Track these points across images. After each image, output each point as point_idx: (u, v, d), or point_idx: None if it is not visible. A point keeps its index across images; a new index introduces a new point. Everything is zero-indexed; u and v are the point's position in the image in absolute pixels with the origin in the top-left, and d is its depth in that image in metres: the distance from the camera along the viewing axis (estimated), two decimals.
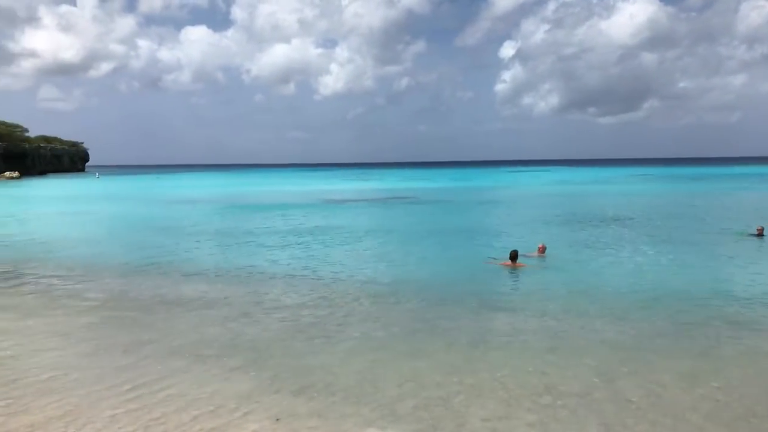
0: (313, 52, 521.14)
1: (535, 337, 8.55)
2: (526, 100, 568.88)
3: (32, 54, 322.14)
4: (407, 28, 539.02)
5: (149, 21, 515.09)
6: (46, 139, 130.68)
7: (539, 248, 15.63)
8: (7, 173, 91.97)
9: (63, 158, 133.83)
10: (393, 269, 14.42)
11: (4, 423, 5.70)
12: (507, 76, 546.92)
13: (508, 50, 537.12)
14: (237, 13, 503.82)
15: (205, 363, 7.44)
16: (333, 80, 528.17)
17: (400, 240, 20.20)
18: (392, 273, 13.84)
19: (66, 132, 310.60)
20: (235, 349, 7.99)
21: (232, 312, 10.02)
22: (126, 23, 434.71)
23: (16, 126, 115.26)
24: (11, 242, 20.37)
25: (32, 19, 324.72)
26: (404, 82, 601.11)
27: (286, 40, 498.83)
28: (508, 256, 14.13)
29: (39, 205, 40.69)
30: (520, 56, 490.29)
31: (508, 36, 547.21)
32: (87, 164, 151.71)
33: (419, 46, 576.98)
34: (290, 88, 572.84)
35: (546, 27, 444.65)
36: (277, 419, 5.67)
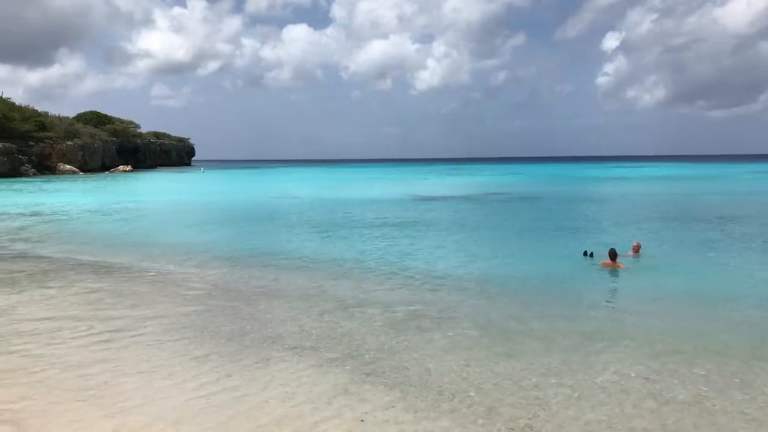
0: (410, 47, 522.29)
1: (637, 341, 8.18)
2: (630, 93, 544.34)
3: (147, 54, 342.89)
4: (506, 21, 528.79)
5: (254, 20, 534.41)
6: (157, 135, 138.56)
7: (634, 247, 14.97)
8: (121, 167, 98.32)
9: (171, 153, 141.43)
10: (487, 266, 14.25)
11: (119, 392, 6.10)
12: (609, 68, 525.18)
13: (611, 42, 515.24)
14: (336, 11, 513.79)
15: (303, 354, 7.64)
16: (429, 75, 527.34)
17: (494, 237, 19.94)
18: (486, 270, 13.69)
19: (174, 128, 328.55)
20: (332, 342, 8.17)
21: (328, 305, 10.23)
22: (232, 23, 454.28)
23: (130, 122, 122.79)
24: (124, 230, 21.76)
25: (147, 22, 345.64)
26: (501, 76, 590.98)
27: (384, 36, 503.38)
28: (607, 254, 13.61)
29: (149, 196, 43.27)
30: (624, 48, 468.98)
31: (611, 27, 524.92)
32: (193, 159, 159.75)
33: (518, 39, 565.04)
34: (386, 83, 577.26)
35: (653, 16, 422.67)
36: (362, 420, 5.70)
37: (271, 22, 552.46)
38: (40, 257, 15.79)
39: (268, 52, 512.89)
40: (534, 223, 23.95)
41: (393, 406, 5.98)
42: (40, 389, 6.42)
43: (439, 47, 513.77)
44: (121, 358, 7.52)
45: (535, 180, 68.01)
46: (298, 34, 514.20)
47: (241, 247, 17.23)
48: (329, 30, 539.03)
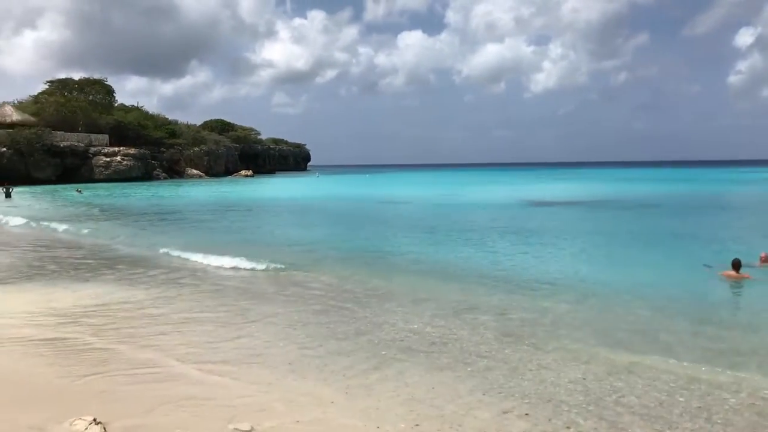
0: (526, 50, 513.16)
1: None
2: (766, 92, 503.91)
3: (269, 64, 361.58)
4: (628, 20, 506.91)
5: (370, 29, 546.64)
6: (275, 141, 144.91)
7: (761, 257, 13.77)
8: (243, 171, 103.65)
9: (289, 158, 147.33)
10: (602, 275, 13.67)
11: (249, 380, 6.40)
12: (743, 66, 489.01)
13: (745, 38, 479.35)
14: (451, 16, 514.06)
15: (416, 357, 7.69)
16: (545, 77, 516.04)
17: (611, 244, 19.12)
18: (601, 278, 13.13)
19: (292, 134, 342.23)
20: (444, 347, 8.16)
21: (440, 309, 10.22)
22: (350, 32, 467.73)
23: (251, 129, 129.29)
24: (250, 230, 22.85)
25: (270, 33, 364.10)
26: (621, 77, 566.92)
27: (500, 39, 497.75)
28: (730, 265, 12.63)
29: (270, 198, 45.28)
30: (760, 44, 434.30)
31: (746, 22, 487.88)
32: (309, 164, 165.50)
33: (641, 38, 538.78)
34: (500, 86, 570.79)
35: None
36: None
37: (386, 30, 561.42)
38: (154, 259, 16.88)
39: (382, 59, 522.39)
40: (654, 231, 22.72)
41: (511, 422, 5.88)
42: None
43: (555, 49, 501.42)
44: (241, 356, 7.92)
45: (656, 185, 64.50)
46: (412, 40, 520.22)
47: (354, 249, 17.64)
48: (443, 35, 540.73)
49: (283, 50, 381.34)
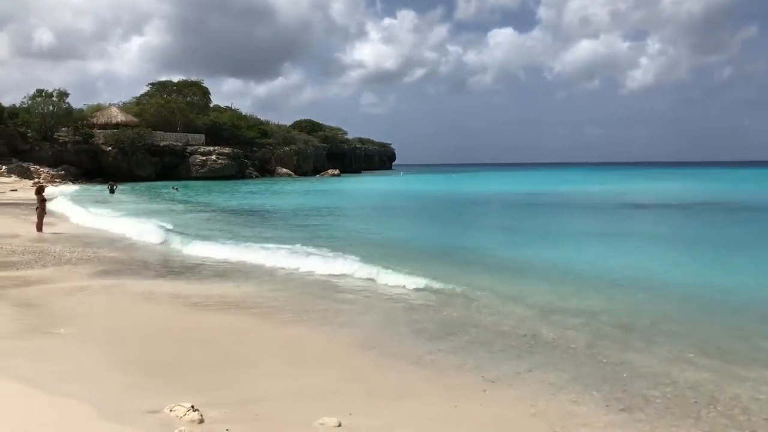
0: (621, 45, 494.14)
1: None
2: None
3: (359, 65, 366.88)
4: (735, 12, 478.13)
5: (460, 27, 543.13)
6: (361, 141, 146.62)
7: None
8: (330, 170, 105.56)
9: (374, 157, 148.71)
10: (697, 279, 12.89)
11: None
12: None
13: None
14: (543, 12, 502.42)
15: (508, 359, 7.52)
16: (641, 73, 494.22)
17: (716, 249, 18.03)
18: (696, 283, 12.38)
19: (377, 134, 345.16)
20: (536, 347, 7.94)
21: (528, 311, 9.93)
22: (439, 31, 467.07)
23: (339, 129, 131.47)
24: (340, 227, 23.16)
25: (361, 34, 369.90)
26: (726, 72, 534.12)
27: (594, 35, 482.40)
28: None
29: (357, 195, 45.95)
30: None
31: None
32: (393, 163, 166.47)
33: (749, 31, 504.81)
34: (593, 83, 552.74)
35: None
36: None
37: (476, 28, 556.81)
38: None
39: (471, 57, 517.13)
40: (757, 236, 21.31)
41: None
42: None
43: (653, 44, 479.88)
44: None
45: (765, 186, 60.40)
46: (502, 37, 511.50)
47: (439, 247, 17.54)
48: (534, 32, 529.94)
49: (372, 50, 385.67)
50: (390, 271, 12.72)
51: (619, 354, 7.66)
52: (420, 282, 11.84)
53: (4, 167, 61.33)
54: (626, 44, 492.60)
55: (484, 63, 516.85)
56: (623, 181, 75.44)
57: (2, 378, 6.24)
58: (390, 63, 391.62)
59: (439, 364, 7.40)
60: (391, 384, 6.77)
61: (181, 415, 5.37)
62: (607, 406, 6.02)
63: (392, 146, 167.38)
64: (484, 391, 6.46)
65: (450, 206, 38.02)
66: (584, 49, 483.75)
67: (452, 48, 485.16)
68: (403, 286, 11.82)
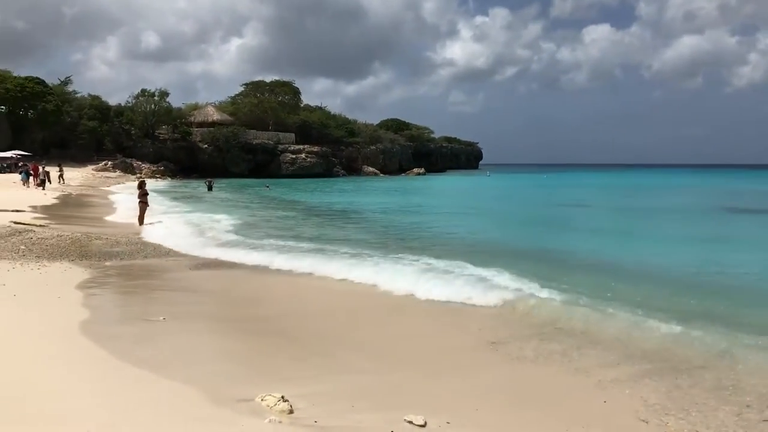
0: (729, 41, 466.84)
1: None
2: None
3: (449, 63, 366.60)
4: None
5: (555, 24, 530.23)
6: (448, 140, 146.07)
7: None
8: (415, 169, 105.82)
9: (460, 157, 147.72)
10: None
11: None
12: None
13: None
14: (643, 8, 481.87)
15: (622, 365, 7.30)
16: (750, 70, 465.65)
17: None
18: None
19: (464, 133, 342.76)
20: (630, 349, 7.69)
21: (619, 312, 9.55)
22: (533, 29, 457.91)
23: (425, 128, 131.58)
24: (425, 226, 23.19)
25: (452, 32, 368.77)
26: None
27: (699, 30, 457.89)
28: None
29: (441, 194, 45.82)
30: None
31: None
32: (480, 162, 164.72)
33: None
34: (696, 81, 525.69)
35: None
36: None
37: (571, 25, 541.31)
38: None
39: (565, 54, 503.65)
40: None
41: None
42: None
43: (765, 39, 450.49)
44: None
45: None
46: (599, 34, 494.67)
47: (531, 247, 17.24)
48: (633, 28, 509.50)
49: (463, 49, 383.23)
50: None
51: None
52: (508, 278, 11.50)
53: (109, 162, 65.45)
54: (734, 39, 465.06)
55: (578, 60, 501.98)
56: (731, 184, 71.17)
57: (120, 360, 6.71)
58: (481, 61, 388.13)
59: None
60: (488, 389, 6.73)
61: (272, 404, 5.55)
62: None
63: (479, 145, 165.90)
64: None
65: (537, 209, 37.24)
66: (686, 45, 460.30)
67: (546, 45, 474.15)
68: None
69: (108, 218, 23.47)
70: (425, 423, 5.46)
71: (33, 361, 6.50)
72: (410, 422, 5.46)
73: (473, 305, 10.30)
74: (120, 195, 35.65)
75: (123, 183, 50.19)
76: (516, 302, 10.23)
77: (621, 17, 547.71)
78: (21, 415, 5.00)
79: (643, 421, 5.74)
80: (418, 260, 13.98)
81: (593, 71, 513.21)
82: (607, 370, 7.13)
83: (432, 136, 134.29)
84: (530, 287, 11.00)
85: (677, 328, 8.40)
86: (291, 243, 17.24)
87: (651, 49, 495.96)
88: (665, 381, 6.73)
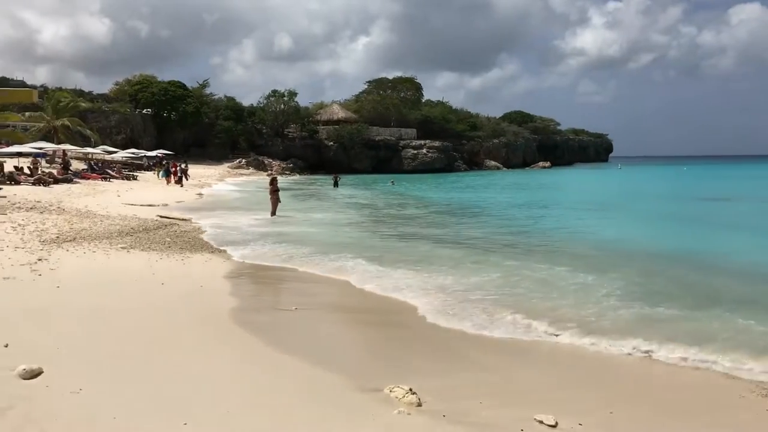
0: None
1: None
2: None
3: (579, 53, 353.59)
4: None
5: (697, 6, 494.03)
6: (575, 132, 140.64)
7: None
8: (540, 163, 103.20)
9: (588, 149, 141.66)
10: None
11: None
12: None
13: None
14: None
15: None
16: None
17: None
18: None
19: (593, 124, 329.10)
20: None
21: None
22: (673, 12, 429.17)
23: (551, 120, 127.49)
24: (543, 219, 22.57)
25: (582, 20, 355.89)
26: None
27: None
28: None
29: (563, 189, 44.23)
30: None
31: None
32: (610, 155, 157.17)
33: None
34: None
35: None
36: None
37: (716, 6, 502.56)
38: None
39: (708, 38, 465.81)
40: None
41: None
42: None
43: None
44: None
45: None
46: (747, 14, 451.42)
47: (666, 247, 16.30)
48: None
49: (594, 37, 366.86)
50: None
51: None
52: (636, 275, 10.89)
53: (243, 160, 69.30)
54: None
55: (722, 44, 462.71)
56: None
57: (271, 347, 7.19)
58: (613, 49, 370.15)
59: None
60: (626, 394, 6.42)
61: (401, 396, 5.63)
62: None
63: (609, 137, 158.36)
64: None
65: (675, 205, 34.98)
66: None
67: (685, 29, 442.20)
68: None
69: (239, 213, 24.67)
70: (556, 423, 5.30)
71: (194, 348, 7.05)
72: (540, 422, 5.33)
73: None
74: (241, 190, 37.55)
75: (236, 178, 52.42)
76: None
77: None
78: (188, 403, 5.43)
79: None
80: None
81: (741, 56, 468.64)
82: None
83: (558, 128, 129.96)
84: None
85: None
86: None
87: None
88: None
